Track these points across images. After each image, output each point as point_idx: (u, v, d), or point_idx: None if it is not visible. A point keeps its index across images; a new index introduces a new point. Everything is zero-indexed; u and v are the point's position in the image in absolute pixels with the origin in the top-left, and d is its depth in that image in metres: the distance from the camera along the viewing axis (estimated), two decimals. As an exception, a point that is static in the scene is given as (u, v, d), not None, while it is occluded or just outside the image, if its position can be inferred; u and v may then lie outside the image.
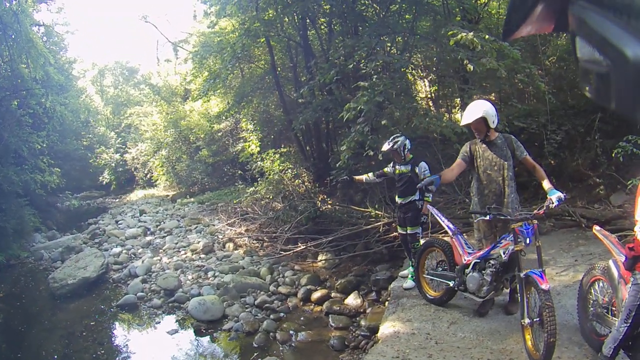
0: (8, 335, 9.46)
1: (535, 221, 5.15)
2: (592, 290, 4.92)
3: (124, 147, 34.08)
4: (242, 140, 19.11)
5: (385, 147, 7.29)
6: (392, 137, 7.36)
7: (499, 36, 9.32)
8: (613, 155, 8.42)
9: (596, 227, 5.02)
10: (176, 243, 14.98)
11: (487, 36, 8.71)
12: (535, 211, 5.24)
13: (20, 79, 15.66)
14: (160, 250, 14.44)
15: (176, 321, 9.38)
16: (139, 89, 37.84)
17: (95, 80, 43.21)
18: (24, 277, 13.12)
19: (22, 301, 11.31)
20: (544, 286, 4.67)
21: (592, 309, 4.86)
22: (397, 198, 7.61)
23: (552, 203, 5.15)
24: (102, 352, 8.43)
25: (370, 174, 7.88)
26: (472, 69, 8.84)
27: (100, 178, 33.19)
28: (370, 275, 9.71)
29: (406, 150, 7.32)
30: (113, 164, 33.34)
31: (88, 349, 8.49)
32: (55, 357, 8.26)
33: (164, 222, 18.79)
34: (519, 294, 5.17)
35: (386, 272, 9.40)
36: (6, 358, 8.52)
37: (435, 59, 13.46)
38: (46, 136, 18.47)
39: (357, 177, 8.13)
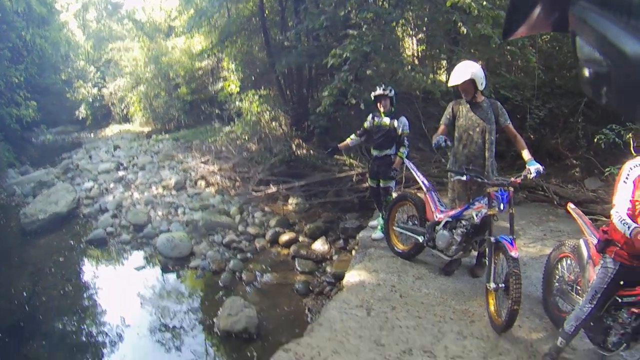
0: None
1: (512, 188, 5.09)
2: (559, 266, 4.93)
3: (102, 81, 33.42)
4: (222, 80, 18.90)
5: (379, 91, 7.10)
6: (384, 85, 7.22)
7: (495, 4, 9.18)
8: (595, 140, 8.37)
9: (571, 205, 4.96)
10: (148, 179, 14.93)
11: (484, 2, 8.57)
12: (512, 179, 5.19)
13: (1, 12, 15.11)
14: (132, 186, 14.34)
15: (144, 257, 9.42)
16: (122, 24, 36.95)
17: (78, 14, 42.01)
18: (-5, 213, 12.94)
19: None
20: (513, 253, 4.65)
21: (557, 284, 4.88)
22: (372, 150, 7.50)
23: (530, 173, 5.14)
24: (70, 288, 8.45)
25: (353, 136, 7.64)
26: (465, 32, 8.73)
27: (77, 113, 32.60)
28: (339, 222, 9.79)
29: (394, 101, 7.25)
30: (90, 99, 32.76)
31: (56, 285, 8.46)
32: (25, 294, 8.17)
33: (138, 158, 18.72)
34: (486, 258, 5.15)
35: (355, 221, 9.46)
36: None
37: (426, 18, 13.24)
38: (24, 69, 18.17)
39: (341, 145, 7.84)
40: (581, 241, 4.53)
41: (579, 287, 4.55)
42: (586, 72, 0.89)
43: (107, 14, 43.33)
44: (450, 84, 5.77)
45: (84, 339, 7.08)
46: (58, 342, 6.87)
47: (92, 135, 29.55)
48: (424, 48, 14.61)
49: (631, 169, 3.68)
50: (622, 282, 3.80)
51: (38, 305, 7.82)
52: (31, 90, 20.30)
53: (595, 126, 9.34)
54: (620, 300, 3.82)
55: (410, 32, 15.09)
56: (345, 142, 7.74)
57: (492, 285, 4.90)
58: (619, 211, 3.65)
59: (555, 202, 8.85)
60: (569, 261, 4.81)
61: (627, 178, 3.69)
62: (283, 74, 14.19)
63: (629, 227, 3.52)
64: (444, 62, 13.55)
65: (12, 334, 7.00)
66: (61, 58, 29.00)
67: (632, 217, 3.64)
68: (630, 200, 3.65)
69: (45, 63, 23.86)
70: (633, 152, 7.52)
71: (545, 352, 4.35)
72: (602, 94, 0.86)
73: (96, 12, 43.62)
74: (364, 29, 9.67)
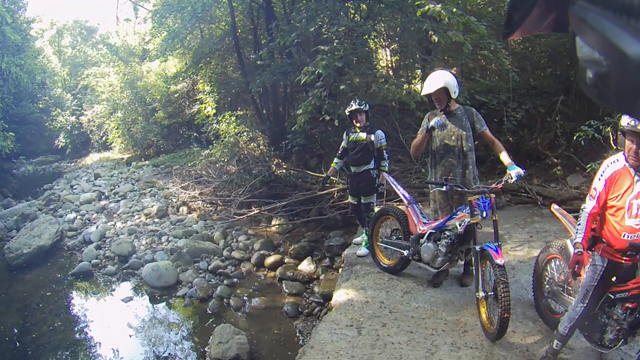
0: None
1: (493, 195, 5.10)
2: (548, 268, 4.94)
3: (80, 109, 33.24)
4: (198, 102, 18.83)
5: (353, 105, 7.12)
6: (357, 100, 7.24)
7: (466, 10, 9.24)
8: (574, 138, 8.44)
9: (554, 206, 4.99)
10: (130, 207, 14.83)
11: (454, 9, 8.60)
12: (493, 185, 5.20)
13: None
14: (115, 215, 14.28)
15: (131, 288, 9.35)
16: (97, 49, 36.86)
17: (53, 41, 41.88)
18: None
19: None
20: (499, 261, 4.64)
21: (547, 286, 4.89)
22: (351, 167, 7.47)
23: (511, 178, 5.14)
24: (59, 323, 8.35)
25: (336, 159, 7.66)
26: (437, 40, 8.77)
27: (56, 142, 32.39)
28: (324, 241, 9.77)
29: (369, 114, 7.28)
30: (69, 127, 32.57)
31: (45, 320, 8.39)
32: (15, 330, 8.12)
33: (119, 186, 18.51)
34: (473, 267, 5.17)
35: (340, 239, 9.44)
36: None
37: (398, 29, 13.31)
38: (1, 99, 17.92)
39: (330, 172, 7.91)
40: (568, 241, 4.55)
41: (570, 288, 4.58)
42: (586, 73, 0.87)
43: (81, 39, 43.33)
44: (423, 92, 5.82)
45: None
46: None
47: (72, 164, 29.27)
48: (398, 58, 14.68)
49: (608, 165, 3.75)
50: (614, 279, 3.82)
51: (28, 341, 7.72)
52: (9, 121, 20.16)
53: (573, 123, 9.44)
54: (613, 296, 3.82)
55: (384, 43, 15.17)
56: (332, 169, 7.75)
57: (481, 293, 4.90)
58: (585, 208, 3.79)
59: (539, 203, 8.91)
60: (557, 262, 4.84)
61: (601, 175, 3.77)
62: (258, 93, 14.22)
63: (575, 248, 3.73)
64: (419, 72, 13.62)
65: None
66: (38, 86, 28.86)
67: (600, 216, 3.79)
68: (598, 198, 3.75)
69: (22, 92, 23.68)
70: (613, 145, 7.60)
71: (542, 356, 4.34)
72: (602, 95, 0.85)
73: (71, 37, 43.55)
74: (335, 44, 9.67)
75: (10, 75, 18.20)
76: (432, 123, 5.62)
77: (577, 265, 3.73)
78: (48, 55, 37.82)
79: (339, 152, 7.58)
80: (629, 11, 0.74)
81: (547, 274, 4.95)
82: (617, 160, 3.72)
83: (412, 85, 13.88)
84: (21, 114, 25.10)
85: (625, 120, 3.51)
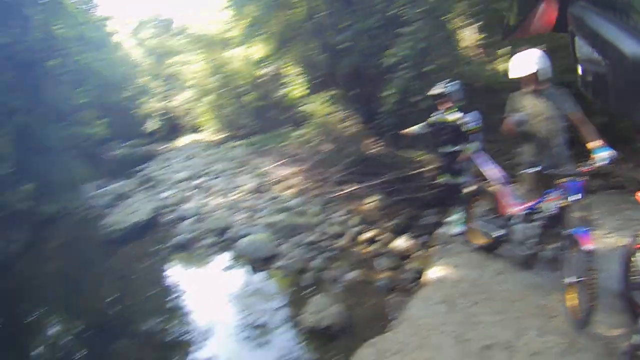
0: (64, 282, 9.85)
1: (585, 178, 4.91)
2: (636, 258, 4.61)
3: (167, 95, 34.39)
4: (286, 85, 19.03)
5: (436, 90, 7.12)
6: (445, 81, 7.19)
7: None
8: None
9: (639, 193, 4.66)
10: (226, 185, 15.10)
11: None
12: (583, 168, 4.96)
13: (54, 40, 15.85)
14: (210, 192, 14.59)
15: (228, 260, 9.63)
16: (177, 40, 37.83)
17: (135, 34, 43.31)
18: (77, 226, 13.47)
19: (77, 248, 11.76)
20: (588, 246, 4.44)
21: (634, 277, 4.59)
22: (441, 146, 7.45)
23: (602, 160, 4.88)
24: (156, 291, 8.87)
25: (419, 125, 7.66)
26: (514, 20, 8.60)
27: (146, 126, 33.74)
28: (419, 219, 9.70)
29: (458, 96, 7.16)
30: (158, 113, 33.74)
31: (143, 289, 8.93)
32: (112, 297, 8.53)
33: (212, 166, 18.86)
34: (562, 252, 5.01)
35: (434, 217, 9.34)
36: (62, 304, 9.01)
37: (481, 6, 13.06)
38: (89, 90, 18.92)
39: (405, 131, 7.96)
40: None
41: None
42: (585, 73, 0.94)
43: (161, 31, 44.44)
44: (513, 75, 5.58)
45: (173, 336, 7.44)
46: (147, 340, 7.26)
47: (163, 147, 30.08)
48: (483, 37, 14.41)
49: None
50: None
51: (127, 306, 8.23)
52: (99, 109, 21.22)
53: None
54: None
55: (466, 22, 14.91)
56: (409, 130, 7.89)
57: (569, 280, 4.75)
58: None
59: (632, 189, 8.53)
60: None
61: None
62: (345, 75, 14.24)
63: None
64: (505, 49, 13.34)
65: (103, 332, 7.45)
66: (122, 77, 29.96)
67: None
68: None
69: (108, 83, 24.64)
70: None
71: (623, 350, 4.15)
72: (601, 95, 0.90)
73: (150, 30, 44.75)
74: (415, 26, 9.65)
75: (94, 68, 19.14)
76: (515, 119, 5.47)
77: None
78: (129, 48, 39.14)
79: (426, 122, 7.59)
80: (628, 11, 0.82)
81: (634, 265, 4.61)
82: None
83: (498, 64, 13.64)
84: (109, 102, 26.03)
85: None
